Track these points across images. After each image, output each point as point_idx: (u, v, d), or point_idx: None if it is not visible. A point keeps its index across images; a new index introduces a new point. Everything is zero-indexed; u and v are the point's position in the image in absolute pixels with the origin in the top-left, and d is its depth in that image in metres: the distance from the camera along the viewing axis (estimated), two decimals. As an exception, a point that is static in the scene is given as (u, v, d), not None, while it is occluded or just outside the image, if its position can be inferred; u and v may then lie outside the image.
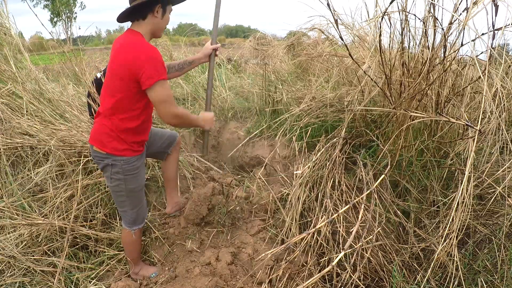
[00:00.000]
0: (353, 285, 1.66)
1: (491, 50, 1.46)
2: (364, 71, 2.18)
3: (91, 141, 1.78)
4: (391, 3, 1.59)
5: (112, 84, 1.68)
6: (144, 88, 1.60)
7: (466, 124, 1.56)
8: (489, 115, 1.87)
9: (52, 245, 2.22)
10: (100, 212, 2.37)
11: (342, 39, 1.92)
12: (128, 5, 1.65)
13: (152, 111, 1.90)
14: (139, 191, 1.89)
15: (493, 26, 1.43)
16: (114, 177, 1.78)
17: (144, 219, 2.00)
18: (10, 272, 2.07)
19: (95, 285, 2.01)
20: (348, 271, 1.64)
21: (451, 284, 1.64)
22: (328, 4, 1.72)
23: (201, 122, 1.94)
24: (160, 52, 1.66)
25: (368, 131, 2.36)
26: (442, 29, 1.67)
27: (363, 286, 1.70)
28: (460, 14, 1.59)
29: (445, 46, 1.69)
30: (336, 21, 1.78)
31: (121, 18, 1.71)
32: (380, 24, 1.74)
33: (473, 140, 1.51)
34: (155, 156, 2.26)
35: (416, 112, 1.78)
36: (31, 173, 2.55)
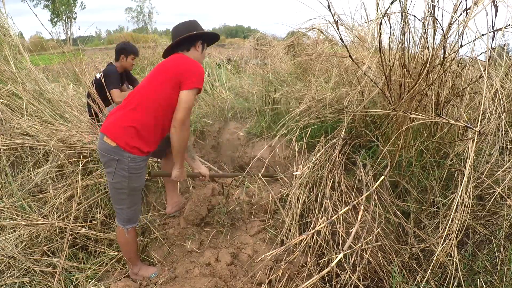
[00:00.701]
0: (353, 285, 1.67)
1: (490, 51, 1.45)
2: (363, 72, 2.17)
3: (103, 130, 1.81)
4: (391, 4, 1.59)
5: (155, 82, 1.85)
6: (184, 88, 1.79)
7: (466, 126, 1.56)
8: (488, 116, 1.87)
9: (52, 245, 2.22)
10: (99, 213, 2.38)
11: (342, 41, 1.92)
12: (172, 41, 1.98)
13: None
14: (139, 190, 1.93)
15: (493, 26, 1.43)
16: (118, 173, 1.79)
17: (137, 219, 2.03)
18: (10, 273, 2.07)
19: (95, 285, 2.02)
20: (347, 272, 1.65)
21: (451, 284, 1.64)
22: (328, 6, 1.71)
23: (181, 165, 2.04)
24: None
25: (367, 132, 2.36)
26: (442, 29, 1.67)
27: (362, 287, 1.70)
28: (460, 14, 1.58)
29: (444, 47, 1.69)
30: (336, 22, 1.78)
31: (169, 50, 2.01)
32: (380, 25, 1.74)
33: (473, 141, 1.51)
34: (155, 155, 2.28)
35: (415, 114, 1.78)
36: (31, 174, 2.55)
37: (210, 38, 2.10)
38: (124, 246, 2.02)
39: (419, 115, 1.76)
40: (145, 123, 1.80)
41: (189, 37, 1.94)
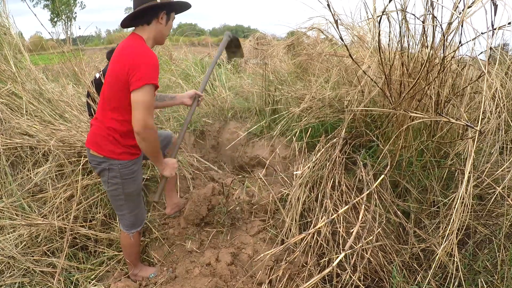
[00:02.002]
0: (353, 285, 1.66)
1: (490, 50, 1.45)
2: (363, 71, 2.17)
3: (87, 144, 1.76)
4: (389, 2, 1.59)
5: (111, 86, 1.68)
6: (132, 89, 1.55)
7: (466, 125, 1.56)
8: (488, 115, 1.86)
9: (52, 245, 2.21)
10: (99, 213, 2.37)
11: (342, 40, 1.92)
12: (133, 10, 1.67)
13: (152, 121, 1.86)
14: (137, 194, 1.88)
15: (492, 25, 1.43)
16: (111, 181, 1.76)
17: (142, 221, 1.99)
18: (10, 273, 2.06)
19: (95, 285, 2.01)
20: (348, 272, 1.64)
21: (451, 284, 1.64)
22: (328, 5, 1.71)
23: (163, 163, 1.83)
24: (157, 58, 1.65)
25: (368, 131, 2.36)
26: (441, 28, 1.66)
27: (363, 287, 1.70)
28: (460, 13, 1.58)
29: (444, 46, 1.69)
30: (336, 21, 1.78)
31: (126, 22, 1.72)
32: (379, 23, 1.74)
33: (473, 140, 1.50)
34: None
35: (415, 112, 1.78)
36: (30, 173, 2.55)
37: (178, 7, 1.80)
38: (127, 249, 2.00)
39: (419, 114, 1.76)
40: (118, 130, 1.70)
41: (149, 8, 1.62)
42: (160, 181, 1.97)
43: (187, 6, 1.82)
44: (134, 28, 1.74)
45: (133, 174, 1.79)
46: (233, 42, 2.41)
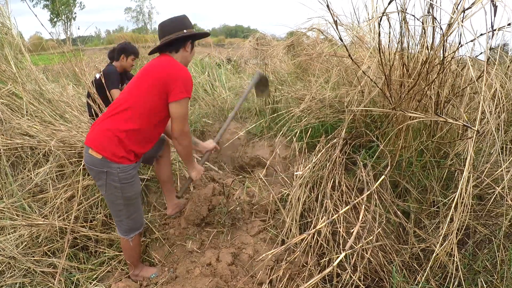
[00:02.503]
0: (354, 285, 1.67)
1: (490, 51, 1.46)
2: (363, 72, 2.18)
3: (88, 143, 1.73)
4: (389, 3, 1.59)
5: (136, 89, 1.78)
6: (172, 100, 1.73)
7: (464, 125, 1.56)
8: (488, 116, 1.87)
9: (52, 245, 2.22)
10: (100, 213, 2.37)
11: (341, 40, 1.93)
12: (159, 39, 1.89)
13: (157, 138, 1.93)
14: (135, 198, 1.86)
15: (492, 26, 1.43)
16: (109, 185, 1.73)
17: (142, 224, 1.98)
18: (11, 273, 2.07)
19: (96, 285, 2.02)
20: (348, 272, 1.65)
21: (451, 284, 1.64)
22: (327, 5, 1.72)
23: (193, 165, 2.08)
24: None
25: (368, 132, 2.37)
26: (441, 28, 1.67)
27: (363, 287, 1.70)
28: (459, 14, 1.59)
29: (444, 46, 1.69)
30: (335, 22, 1.79)
31: (155, 50, 1.92)
32: (379, 24, 1.74)
33: (472, 140, 1.51)
34: (145, 161, 2.20)
35: (412, 112, 1.78)
36: (31, 174, 2.55)
37: (200, 37, 2.05)
38: (127, 251, 2.00)
39: (417, 114, 1.76)
40: (130, 131, 1.72)
41: (180, 38, 1.83)
42: (186, 180, 2.27)
43: (206, 35, 2.09)
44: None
45: (132, 178, 1.78)
46: (262, 81, 2.55)
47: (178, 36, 1.82)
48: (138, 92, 1.76)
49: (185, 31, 1.84)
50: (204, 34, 2.05)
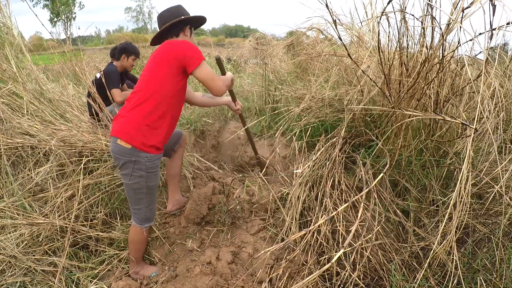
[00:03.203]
0: (353, 284, 1.67)
1: (488, 50, 1.46)
2: (362, 71, 2.18)
3: (115, 134, 1.80)
4: (388, 3, 1.60)
5: (153, 73, 1.83)
6: (192, 68, 1.78)
7: (462, 123, 1.57)
8: (487, 115, 1.88)
9: (53, 244, 2.22)
10: (100, 212, 2.38)
11: (340, 39, 1.93)
12: (159, 29, 1.95)
13: (180, 113, 2.00)
14: (156, 188, 1.94)
15: (491, 25, 1.44)
16: (135, 173, 1.80)
17: (154, 217, 2.04)
18: (11, 272, 2.07)
19: (96, 284, 2.02)
20: (347, 270, 1.65)
21: (450, 283, 1.64)
22: (326, 5, 1.72)
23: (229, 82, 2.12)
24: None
25: (367, 131, 2.37)
26: (440, 28, 1.68)
27: (363, 285, 1.71)
28: (458, 14, 1.59)
29: (443, 46, 1.70)
30: (334, 21, 1.79)
31: (156, 40, 2.00)
32: (378, 24, 1.75)
33: (469, 137, 1.51)
34: (164, 155, 2.27)
35: (409, 110, 1.79)
36: (31, 173, 2.56)
37: (197, 22, 2.09)
38: (135, 245, 2.02)
39: (414, 112, 1.77)
40: (155, 118, 1.80)
41: (179, 22, 1.92)
42: (231, 93, 2.40)
43: (203, 21, 2.11)
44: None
45: (156, 168, 1.86)
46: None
47: (176, 20, 1.89)
48: (156, 78, 1.82)
49: (182, 17, 1.92)
50: (201, 18, 2.07)
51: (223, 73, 2.27)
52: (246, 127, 2.65)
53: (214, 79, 1.83)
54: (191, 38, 2.00)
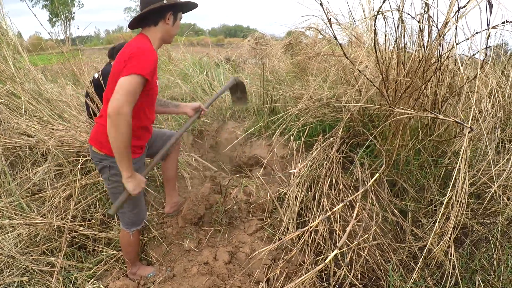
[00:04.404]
0: (350, 284, 1.67)
1: (485, 49, 1.46)
2: (359, 71, 2.18)
3: (90, 141, 1.78)
4: (383, 2, 1.60)
5: (113, 82, 1.63)
6: (122, 75, 1.49)
7: (456, 122, 1.57)
8: (485, 114, 1.87)
9: (51, 244, 2.22)
10: (98, 212, 2.38)
11: (336, 39, 1.93)
12: (140, 12, 1.68)
13: (154, 118, 1.87)
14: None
15: (488, 25, 1.44)
16: (112, 179, 1.76)
17: (143, 220, 1.99)
18: (9, 272, 2.07)
19: (93, 284, 2.02)
20: (344, 269, 1.65)
21: (448, 283, 1.64)
22: (321, 4, 1.72)
23: (129, 169, 1.59)
24: (156, 56, 1.63)
25: (365, 131, 2.37)
26: (437, 27, 1.67)
27: (360, 286, 1.71)
28: (456, 13, 1.59)
29: (440, 45, 1.70)
30: (329, 20, 1.79)
31: (133, 24, 1.73)
32: (374, 23, 1.75)
33: (465, 136, 1.51)
34: (151, 156, 2.23)
35: (403, 109, 1.79)
36: (29, 173, 2.56)
37: (185, 7, 1.80)
38: (126, 247, 2.00)
39: (410, 111, 1.76)
40: None
41: (156, 9, 1.62)
42: (123, 194, 1.68)
43: (193, 6, 1.81)
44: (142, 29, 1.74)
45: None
46: (239, 88, 2.37)
47: (156, 6, 1.60)
48: (111, 85, 1.63)
49: (165, 1, 1.63)
50: (189, 4, 1.78)
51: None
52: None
53: (124, 97, 1.46)
54: (174, 26, 1.75)
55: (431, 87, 2.11)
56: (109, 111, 1.45)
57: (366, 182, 1.98)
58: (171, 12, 1.69)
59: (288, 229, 2.10)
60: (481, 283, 1.71)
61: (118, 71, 1.56)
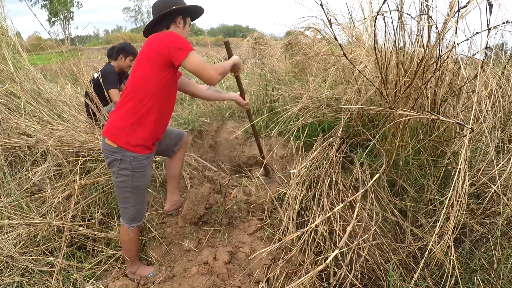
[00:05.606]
0: (350, 284, 1.67)
1: (485, 50, 1.46)
2: (359, 71, 2.18)
3: (104, 133, 1.81)
4: (384, 3, 1.60)
5: (140, 69, 1.77)
6: (179, 61, 1.69)
7: (456, 122, 1.57)
8: (485, 114, 1.87)
9: (50, 244, 2.22)
10: (97, 212, 2.38)
11: (335, 39, 1.93)
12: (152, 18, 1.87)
13: (171, 109, 1.95)
14: (143, 189, 1.92)
15: (488, 25, 1.44)
16: (121, 172, 1.79)
17: (143, 217, 2.03)
18: (8, 272, 2.07)
19: (93, 284, 2.02)
20: (344, 269, 1.65)
21: (448, 283, 1.64)
22: (321, 4, 1.72)
23: (231, 61, 2.03)
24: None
25: (365, 131, 2.37)
26: (437, 27, 1.67)
27: (360, 285, 1.70)
28: (456, 13, 1.59)
29: (440, 45, 1.69)
30: (329, 21, 1.79)
31: (148, 30, 1.90)
32: (374, 23, 1.75)
33: (465, 136, 1.51)
34: (162, 154, 2.27)
35: (403, 110, 1.79)
36: (29, 173, 2.55)
37: (193, 12, 1.97)
38: (126, 245, 2.02)
39: (409, 112, 1.76)
40: (139, 116, 1.76)
41: (168, 13, 1.81)
42: (238, 82, 2.27)
43: (201, 11, 2.00)
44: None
45: (143, 168, 1.83)
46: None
47: (166, 11, 1.80)
48: (137, 76, 1.77)
49: (174, 7, 1.81)
50: (197, 8, 1.96)
51: (230, 56, 2.19)
52: (252, 123, 2.52)
53: (204, 68, 1.72)
54: (185, 30, 1.91)
55: (430, 87, 2.11)
56: (213, 83, 1.79)
57: (366, 182, 1.98)
58: (181, 17, 1.87)
59: (288, 229, 2.09)
60: (481, 283, 1.71)
61: (159, 55, 1.71)
